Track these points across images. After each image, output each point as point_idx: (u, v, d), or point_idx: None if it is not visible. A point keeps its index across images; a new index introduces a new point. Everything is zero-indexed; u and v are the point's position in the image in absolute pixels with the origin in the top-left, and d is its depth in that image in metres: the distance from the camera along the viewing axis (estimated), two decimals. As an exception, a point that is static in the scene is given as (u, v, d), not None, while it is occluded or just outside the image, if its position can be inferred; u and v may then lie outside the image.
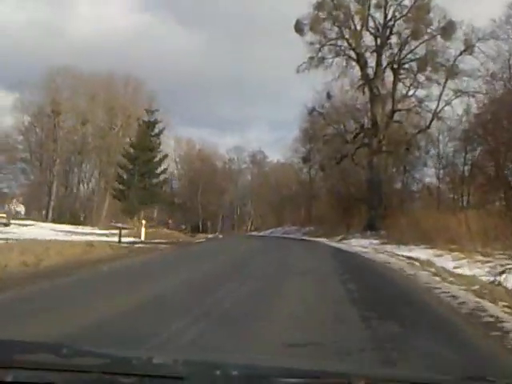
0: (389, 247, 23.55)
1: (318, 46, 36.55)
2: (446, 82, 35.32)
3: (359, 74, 37.25)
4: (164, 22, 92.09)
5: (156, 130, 31.11)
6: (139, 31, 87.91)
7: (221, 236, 44.77)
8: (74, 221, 48.97)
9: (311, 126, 40.51)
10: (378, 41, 36.72)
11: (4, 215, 30.63)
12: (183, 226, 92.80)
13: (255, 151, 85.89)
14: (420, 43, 35.58)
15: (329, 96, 39.28)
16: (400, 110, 37.37)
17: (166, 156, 52.87)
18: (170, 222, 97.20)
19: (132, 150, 29.75)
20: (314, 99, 39.98)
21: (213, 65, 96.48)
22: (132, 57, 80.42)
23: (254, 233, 65.58)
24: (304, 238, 39.79)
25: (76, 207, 55.86)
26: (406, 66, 36.64)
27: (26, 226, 31.74)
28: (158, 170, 30.51)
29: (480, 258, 15.45)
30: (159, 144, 31.32)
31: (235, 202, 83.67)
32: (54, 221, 46.48)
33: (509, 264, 13.02)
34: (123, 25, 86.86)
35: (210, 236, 44.47)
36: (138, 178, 28.38)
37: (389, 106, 37.19)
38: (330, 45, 36.99)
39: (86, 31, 79.63)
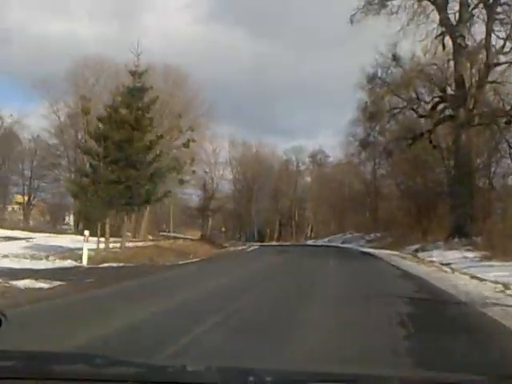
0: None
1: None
2: None
3: (437, 18, 26.80)
4: (231, 32, 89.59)
5: (146, 100, 21.85)
6: (206, 41, 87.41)
7: (251, 248, 35.54)
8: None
9: (372, 99, 30.04)
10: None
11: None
12: (238, 235, 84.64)
13: (315, 151, 76.06)
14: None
15: (395, 57, 28.89)
16: (499, 64, 26.29)
17: (192, 160, 44.51)
18: (222, 230, 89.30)
19: (101, 126, 20.75)
20: (375, 63, 29.72)
21: (276, 72, 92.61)
22: (197, 64, 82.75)
23: (310, 241, 55.72)
24: (365, 249, 29.55)
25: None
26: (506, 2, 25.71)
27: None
28: (149, 158, 21.18)
29: None
30: (150, 121, 22.05)
31: (293, 206, 74.03)
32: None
33: None
34: (188, 35, 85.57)
35: (238, 248, 34.85)
36: (109, 168, 19.31)
37: (480, 62, 26.42)
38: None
39: (152, 45, 78.13)
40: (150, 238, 48.89)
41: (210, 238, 35.05)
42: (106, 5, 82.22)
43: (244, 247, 34.54)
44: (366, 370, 2.10)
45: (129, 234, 29.09)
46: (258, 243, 65.34)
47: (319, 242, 46.42)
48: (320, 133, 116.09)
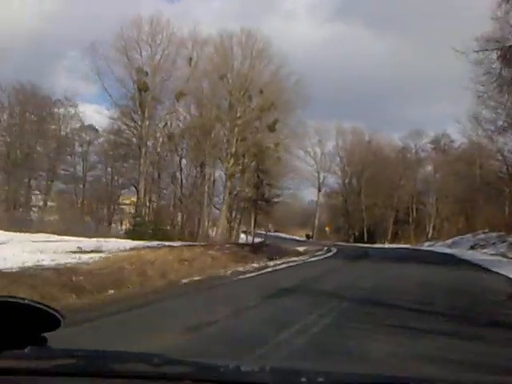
0: None
1: None
2: None
3: None
4: (353, 28, 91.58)
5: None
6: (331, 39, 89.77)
7: (331, 251, 25.82)
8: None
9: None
10: None
11: None
12: (350, 234, 74.11)
13: (438, 135, 63.72)
14: None
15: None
16: None
17: (276, 145, 36.50)
18: (326, 230, 79.31)
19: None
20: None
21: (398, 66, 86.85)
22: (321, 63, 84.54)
23: (427, 244, 44.39)
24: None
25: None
26: None
27: None
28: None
29: None
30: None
31: (412, 201, 62.24)
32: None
33: None
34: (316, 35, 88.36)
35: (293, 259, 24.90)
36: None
37: None
38: None
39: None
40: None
41: (254, 246, 23.89)
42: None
43: (304, 258, 24.41)
44: (418, 373, 1.97)
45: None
46: (365, 244, 55.23)
47: (438, 248, 35.61)
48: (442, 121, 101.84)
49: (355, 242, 63.58)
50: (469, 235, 35.39)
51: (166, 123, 39.43)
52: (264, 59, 41.80)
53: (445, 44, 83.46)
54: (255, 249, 19.73)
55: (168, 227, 37.46)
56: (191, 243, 25.26)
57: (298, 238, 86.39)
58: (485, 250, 25.49)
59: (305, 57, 79.99)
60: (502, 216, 37.71)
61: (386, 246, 49.65)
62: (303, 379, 1.50)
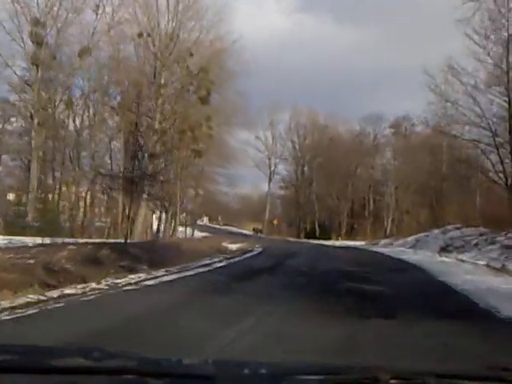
0: None
1: None
2: None
3: None
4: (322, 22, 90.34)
5: None
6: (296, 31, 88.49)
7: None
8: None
9: None
10: None
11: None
12: (302, 228, 66.53)
13: (399, 118, 57.52)
14: None
15: None
16: None
17: (208, 119, 30.33)
18: (275, 222, 72.46)
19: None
20: None
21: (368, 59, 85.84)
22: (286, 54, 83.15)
23: (383, 242, 37.60)
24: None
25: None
26: None
27: None
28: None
29: None
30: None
31: (369, 191, 55.88)
32: None
33: None
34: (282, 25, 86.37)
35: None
36: None
37: None
38: None
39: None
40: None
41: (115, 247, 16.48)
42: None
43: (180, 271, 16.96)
44: (357, 363, 2.17)
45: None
46: (315, 241, 48.60)
47: (396, 250, 28.26)
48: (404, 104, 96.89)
49: (307, 237, 56.97)
50: (436, 231, 28.79)
51: (68, 87, 31.31)
52: (195, 12, 34.20)
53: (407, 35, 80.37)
54: (120, 251, 12.25)
55: (67, 218, 29.52)
56: (62, 240, 17.74)
57: (246, 232, 79.72)
58: (466, 256, 17.90)
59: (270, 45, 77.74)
60: (475, 207, 31.43)
61: (337, 243, 42.87)
62: (246, 371, 1.52)
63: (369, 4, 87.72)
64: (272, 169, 68.65)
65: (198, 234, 61.24)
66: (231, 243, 35.75)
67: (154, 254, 13.21)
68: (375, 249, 32.00)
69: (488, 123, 24.93)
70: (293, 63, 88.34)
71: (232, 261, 16.54)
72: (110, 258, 11.38)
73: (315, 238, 53.84)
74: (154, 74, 34.56)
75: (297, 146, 63.05)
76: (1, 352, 1.59)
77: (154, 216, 45.57)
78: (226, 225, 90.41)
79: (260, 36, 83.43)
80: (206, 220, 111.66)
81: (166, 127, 34.81)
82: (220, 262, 15.26)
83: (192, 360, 1.65)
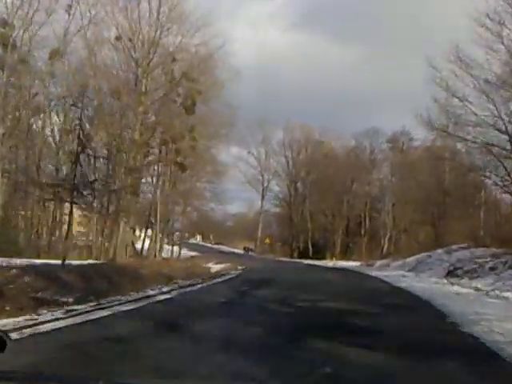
0: None
1: None
2: None
3: None
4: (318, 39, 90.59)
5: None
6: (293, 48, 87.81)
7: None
8: None
9: None
10: None
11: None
12: (295, 247, 63.38)
13: (396, 132, 55.11)
14: None
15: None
16: None
17: (191, 130, 28.50)
18: (267, 241, 69.64)
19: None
20: None
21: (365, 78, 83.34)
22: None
23: (379, 264, 34.61)
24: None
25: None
26: None
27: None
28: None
29: None
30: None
31: (365, 209, 53.21)
32: None
33: None
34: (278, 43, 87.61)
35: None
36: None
37: None
38: None
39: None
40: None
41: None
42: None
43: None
44: None
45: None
46: (307, 261, 45.88)
47: (393, 274, 24.69)
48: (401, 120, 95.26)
49: (300, 256, 54.15)
50: (439, 251, 26.01)
51: (36, 94, 28.66)
52: (178, 16, 31.78)
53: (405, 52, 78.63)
54: (49, 278, 9.47)
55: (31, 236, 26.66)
56: None
57: (237, 251, 76.74)
58: (481, 283, 14.47)
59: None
60: (480, 224, 28.74)
61: (330, 263, 40.04)
62: None
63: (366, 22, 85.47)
64: (265, 185, 66.16)
65: (187, 253, 58.32)
66: (216, 263, 33.04)
67: (97, 281, 10.51)
68: (371, 272, 28.86)
69: (504, 124, 21.76)
70: (285, 79, 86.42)
71: (188, 290, 13.41)
72: (31, 286, 8.66)
73: (309, 257, 51.04)
74: (136, 82, 32.10)
75: (290, 162, 60.59)
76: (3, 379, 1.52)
77: (137, 234, 42.84)
78: (218, 243, 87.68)
79: (252, 52, 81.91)
80: (199, 238, 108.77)
81: (146, 138, 32.28)
82: (170, 292, 12.20)
83: None
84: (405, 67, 70.61)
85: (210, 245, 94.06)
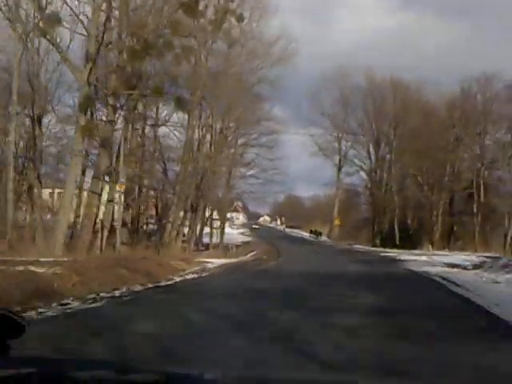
0: None
1: None
2: None
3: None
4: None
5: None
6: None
7: None
8: None
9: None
10: None
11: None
12: (376, 231, 47.97)
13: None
14: None
15: None
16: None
17: None
18: (335, 224, 54.87)
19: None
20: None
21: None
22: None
23: (505, 260, 19.47)
24: None
25: None
26: None
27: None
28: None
29: None
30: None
31: (475, 177, 37.56)
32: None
33: None
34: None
35: None
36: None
37: None
38: None
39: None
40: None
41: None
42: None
43: None
44: (343, 376, 2.34)
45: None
46: (394, 251, 31.51)
47: None
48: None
49: (382, 244, 39.82)
50: None
51: None
52: None
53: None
54: None
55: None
56: None
57: (306, 235, 63.96)
58: None
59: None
60: None
61: (423, 258, 24.55)
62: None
63: None
64: (343, 153, 51.91)
65: (238, 238, 47.19)
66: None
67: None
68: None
69: None
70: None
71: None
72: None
73: (394, 246, 36.65)
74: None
75: (371, 117, 45.70)
76: (22, 364, 1.55)
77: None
78: (291, 227, 76.32)
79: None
80: (267, 220, 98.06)
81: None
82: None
83: (213, 375, 1.67)
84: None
85: (280, 228, 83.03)
